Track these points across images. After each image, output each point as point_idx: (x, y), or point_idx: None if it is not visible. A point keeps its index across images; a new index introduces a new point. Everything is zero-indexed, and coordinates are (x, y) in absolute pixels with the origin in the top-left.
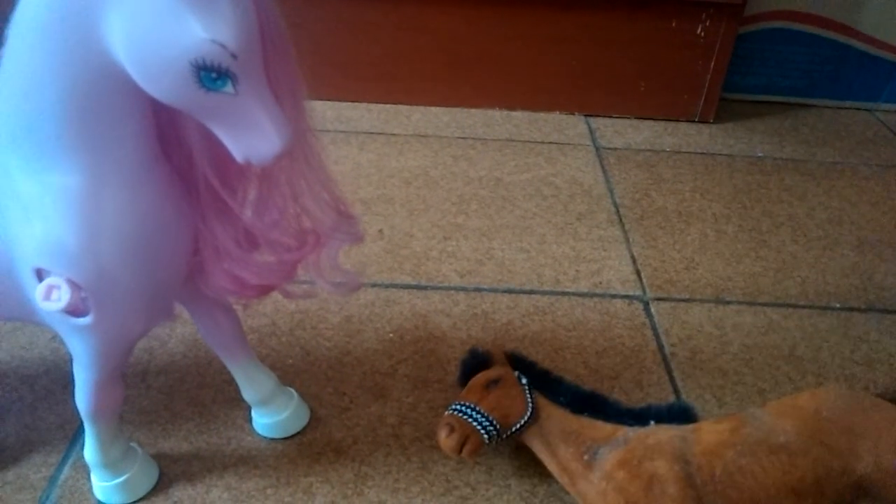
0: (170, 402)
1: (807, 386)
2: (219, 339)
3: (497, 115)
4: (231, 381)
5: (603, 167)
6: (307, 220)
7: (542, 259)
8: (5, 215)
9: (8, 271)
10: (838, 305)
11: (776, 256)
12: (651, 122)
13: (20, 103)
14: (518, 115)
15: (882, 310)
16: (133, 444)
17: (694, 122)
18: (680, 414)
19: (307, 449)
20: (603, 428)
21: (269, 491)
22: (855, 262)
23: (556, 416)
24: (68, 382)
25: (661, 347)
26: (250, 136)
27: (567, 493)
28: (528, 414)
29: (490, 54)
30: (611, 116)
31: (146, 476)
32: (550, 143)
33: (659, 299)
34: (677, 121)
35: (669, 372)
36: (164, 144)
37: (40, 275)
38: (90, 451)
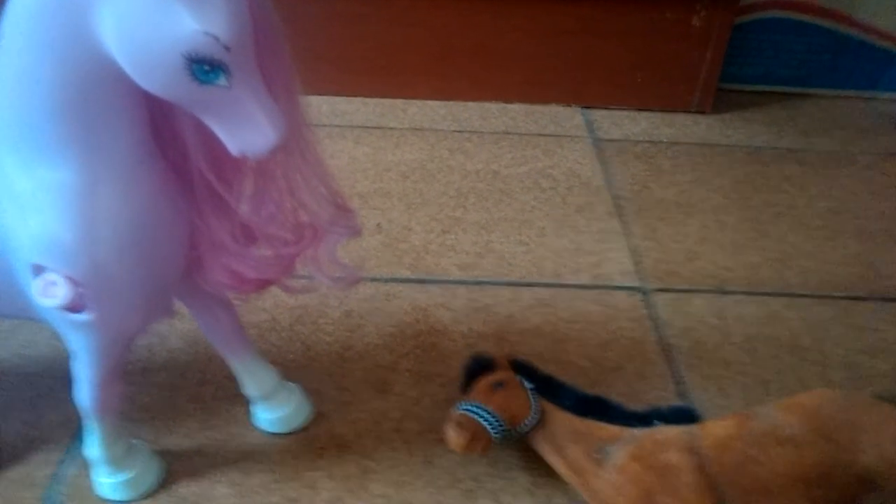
0: (171, 398)
1: (810, 375)
2: (219, 335)
3: (493, 107)
4: (233, 378)
5: (601, 159)
6: (304, 215)
7: (541, 251)
8: (1, 211)
9: (6, 268)
10: (840, 295)
11: (777, 246)
12: (648, 114)
13: (12, 99)
14: (514, 107)
15: (884, 298)
16: (137, 441)
17: (691, 112)
18: (683, 415)
19: (310, 444)
20: (609, 428)
21: (273, 486)
22: (856, 251)
23: (562, 419)
24: (69, 380)
25: (662, 339)
26: (245, 130)
27: (572, 485)
28: (535, 415)
29: (485, 47)
30: (608, 108)
31: (152, 472)
32: (547, 135)
33: (660, 290)
34: (674, 112)
35: (671, 363)
36: (158, 139)
37: (38, 271)
38: (92, 447)
